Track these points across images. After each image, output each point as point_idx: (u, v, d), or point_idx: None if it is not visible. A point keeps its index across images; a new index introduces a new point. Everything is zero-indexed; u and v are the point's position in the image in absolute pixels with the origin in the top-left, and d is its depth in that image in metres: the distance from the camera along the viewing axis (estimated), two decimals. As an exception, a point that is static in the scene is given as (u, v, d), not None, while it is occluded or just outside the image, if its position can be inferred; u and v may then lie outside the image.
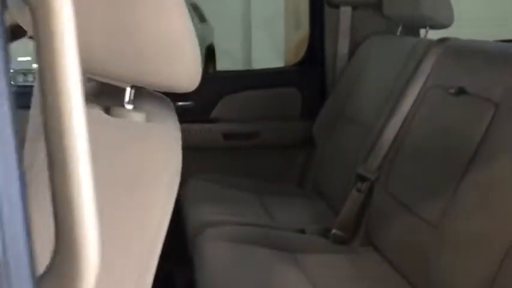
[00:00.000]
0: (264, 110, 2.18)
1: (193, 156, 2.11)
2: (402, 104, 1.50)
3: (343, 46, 2.04)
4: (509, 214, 0.99)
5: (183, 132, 2.16)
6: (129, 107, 0.63)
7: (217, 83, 2.19)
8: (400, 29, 1.83)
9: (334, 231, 1.59)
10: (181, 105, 2.11)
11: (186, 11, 0.62)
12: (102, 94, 0.64)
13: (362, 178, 1.56)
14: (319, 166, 2.01)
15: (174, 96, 2.08)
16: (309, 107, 2.17)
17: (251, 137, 2.14)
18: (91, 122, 0.36)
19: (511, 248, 0.93)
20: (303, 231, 1.64)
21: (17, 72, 2.87)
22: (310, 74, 2.20)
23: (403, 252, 1.34)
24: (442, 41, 1.50)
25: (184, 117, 2.05)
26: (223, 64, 5.95)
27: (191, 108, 2.13)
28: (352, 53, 2.00)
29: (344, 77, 2.00)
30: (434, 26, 1.65)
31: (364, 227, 1.56)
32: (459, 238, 1.10)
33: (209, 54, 6.23)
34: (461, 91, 1.28)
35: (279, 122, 2.17)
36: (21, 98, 0.38)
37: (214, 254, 1.39)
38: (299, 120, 2.18)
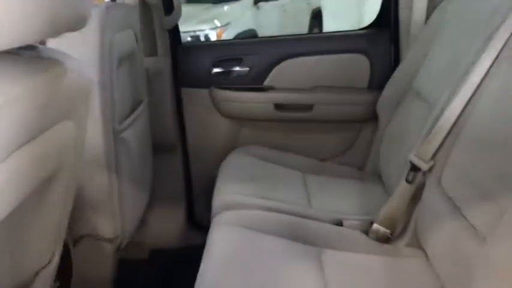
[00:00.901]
0: (325, 78, 1.93)
1: (240, 127, 1.96)
2: (470, 78, 1.17)
3: (419, 8, 1.71)
4: None
5: (231, 100, 2.02)
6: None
7: (275, 47, 1.97)
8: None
9: (375, 226, 1.34)
10: (232, 71, 1.96)
11: None
12: None
13: (414, 167, 1.27)
14: (379, 147, 1.73)
15: (224, 62, 1.94)
16: (378, 77, 1.88)
17: (307, 109, 1.91)
18: None
19: None
20: (340, 223, 1.40)
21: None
22: (381, 40, 1.89)
23: (449, 261, 1.07)
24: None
25: (236, 83, 1.92)
26: (330, 26, 5.76)
27: (245, 74, 1.96)
28: (428, 16, 1.66)
29: (417, 44, 1.67)
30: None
31: (413, 226, 1.29)
32: (506, 262, 0.81)
33: (315, 17, 6.08)
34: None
35: (340, 93, 1.91)
36: None
37: (223, 240, 1.23)
38: (365, 92, 1.89)
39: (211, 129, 1.97)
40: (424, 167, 1.23)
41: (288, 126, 1.95)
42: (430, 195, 1.21)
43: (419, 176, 1.26)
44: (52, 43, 1.21)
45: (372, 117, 1.84)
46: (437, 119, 1.23)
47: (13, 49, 0.52)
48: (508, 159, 0.94)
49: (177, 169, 2.00)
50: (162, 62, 1.88)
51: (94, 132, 1.26)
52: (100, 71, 1.25)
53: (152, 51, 1.87)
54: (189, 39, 4.30)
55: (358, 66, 1.91)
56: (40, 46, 0.58)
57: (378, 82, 1.85)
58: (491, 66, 1.13)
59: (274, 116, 1.92)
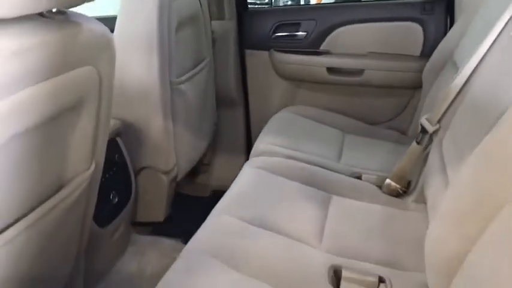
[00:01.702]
0: (379, 45, 2.03)
1: (295, 87, 2.14)
2: (480, 48, 1.24)
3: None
4: None
5: (288, 62, 2.22)
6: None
7: (331, 13, 2.10)
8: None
9: (387, 181, 1.48)
10: (291, 35, 2.13)
11: None
12: None
13: (423, 129, 1.39)
14: (418, 114, 1.82)
15: (284, 27, 2.12)
16: (431, 46, 1.93)
17: (357, 73, 2.03)
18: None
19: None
20: (359, 177, 1.56)
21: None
22: (436, 10, 1.93)
23: (432, 214, 1.19)
24: None
25: (293, 47, 2.10)
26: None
27: (302, 39, 2.12)
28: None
29: (464, 14, 1.71)
30: None
31: (421, 183, 1.41)
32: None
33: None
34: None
35: (391, 59, 2.00)
36: None
37: (245, 179, 1.46)
38: (416, 60, 1.97)
39: (270, 88, 2.18)
40: (431, 129, 1.34)
41: (339, 89, 2.09)
42: (432, 155, 1.32)
43: (427, 137, 1.37)
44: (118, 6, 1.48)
45: (422, 85, 1.92)
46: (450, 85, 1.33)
47: (47, 13, 0.78)
48: (486, 127, 1.04)
49: (239, 121, 2.25)
50: (229, 25, 2.11)
51: (152, 82, 1.54)
52: (159, 31, 1.51)
53: (220, 15, 2.11)
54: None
55: (411, 34, 1.98)
56: (69, 11, 0.83)
57: (430, 51, 1.91)
58: (496, 39, 1.20)
59: (326, 79, 2.08)
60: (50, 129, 0.85)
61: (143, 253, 1.69)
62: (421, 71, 1.90)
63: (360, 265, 1.14)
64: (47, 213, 0.91)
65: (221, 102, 2.15)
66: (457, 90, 1.28)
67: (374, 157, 1.70)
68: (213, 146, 2.23)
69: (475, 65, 1.24)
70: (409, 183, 1.50)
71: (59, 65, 0.78)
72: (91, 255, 1.39)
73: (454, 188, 0.93)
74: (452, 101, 1.29)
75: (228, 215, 1.25)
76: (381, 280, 1.10)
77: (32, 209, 0.88)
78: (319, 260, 1.14)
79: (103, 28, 0.89)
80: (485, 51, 1.22)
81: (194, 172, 2.20)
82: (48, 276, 1.05)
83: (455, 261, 0.84)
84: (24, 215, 0.85)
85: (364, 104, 2.08)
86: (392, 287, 1.07)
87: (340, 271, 1.10)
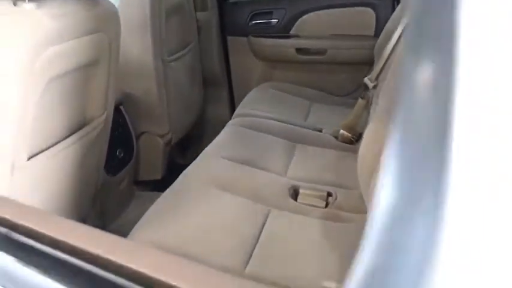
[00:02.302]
0: (338, 28, 2.38)
1: (271, 68, 2.49)
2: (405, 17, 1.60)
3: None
4: None
5: (263, 46, 2.58)
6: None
7: (298, 2, 2.45)
8: None
9: (341, 131, 1.83)
10: (265, 22, 2.48)
11: None
12: None
13: (366, 86, 1.74)
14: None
15: (259, 15, 2.47)
16: (382, 26, 2.29)
17: (322, 53, 2.38)
18: None
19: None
20: (320, 131, 1.91)
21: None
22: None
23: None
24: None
25: (267, 32, 2.44)
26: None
27: (274, 25, 2.48)
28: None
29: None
30: None
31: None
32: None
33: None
34: None
35: (349, 40, 2.35)
36: None
37: (227, 133, 1.80)
38: (370, 39, 2.32)
39: (249, 68, 2.53)
40: (370, 85, 1.69)
41: (307, 67, 2.44)
42: (372, 106, 1.67)
43: (369, 93, 1.72)
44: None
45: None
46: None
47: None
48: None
49: (224, 98, 2.60)
50: (211, 15, 2.46)
51: (147, 58, 1.88)
52: (151, 16, 1.85)
53: (203, 7, 2.46)
54: None
55: (365, 17, 2.34)
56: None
57: (381, 31, 2.27)
58: None
59: (296, 58, 2.43)
60: (75, 78, 1.19)
61: (145, 204, 2.02)
62: (370, 48, 2.25)
63: (313, 186, 1.48)
64: (76, 142, 1.25)
65: (207, 82, 2.50)
66: (388, 52, 1.63)
67: (333, 117, 2.04)
68: (201, 121, 2.57)
69: (398, 35, 1.60)
70: (360, 135, 1.85)
71: (81, 29, 1.12)
72: (103, 199, 1.72)
73: (371, 123, 1.28)
74: (386, 62, 1.65)
75: (214, 156, 1.59)
76: (329, 194, 1.44)
77: (67, 136, 1.22)
78: (283, 183, 1.48)
79: (111, 4, 1.23)
80: (404, 24, 1.58)
81: (185, 145, 2.54)
82: (76, 200, 1.39)
83: (371, 169, 1.19)
84: (63, 139, 1.19)
85: (329, 79, 2.44)
86: (337, 198, 1.42)
87: (298, 188, 1.45)
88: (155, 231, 1.19)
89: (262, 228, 1.26)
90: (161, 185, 2.14)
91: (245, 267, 1.11)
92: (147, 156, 2.07)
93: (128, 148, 1.94)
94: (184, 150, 2.58)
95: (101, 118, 1.37)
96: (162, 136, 2.04)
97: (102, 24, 1.20)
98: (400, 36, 1.60)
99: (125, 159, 1.89)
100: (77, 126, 1.28)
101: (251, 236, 1.22)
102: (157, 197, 1.35)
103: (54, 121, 1.17)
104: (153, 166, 2.10)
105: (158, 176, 2.11)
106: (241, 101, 2.42)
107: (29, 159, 1.09)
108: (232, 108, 2.62)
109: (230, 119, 2.60)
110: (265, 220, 1.29)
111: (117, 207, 1.93)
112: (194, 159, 1.55)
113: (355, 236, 1.22)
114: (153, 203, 1.34)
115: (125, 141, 1.90)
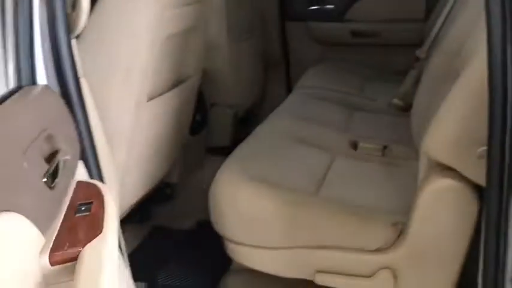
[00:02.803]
0: (391, 12, 2.59)
1: (327, 50, 2.72)
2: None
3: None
4: None
5: (320, 30, 2.83)
6: None
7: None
8: None
9: (394, 100, 2.04)
10: (322, 8, 2.72)
11: None
12: None
13: (417, 58, 1.95)
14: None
15: (316, 1, 2.72)
16: (431, 10, 2.48)
17: (375, 35, 2.60)
18: None
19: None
20: (374, 100, 2.13)
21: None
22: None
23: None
24: None
25: (324, 17, 2.68)
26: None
27: (331, 11, 2.72)
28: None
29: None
30: None
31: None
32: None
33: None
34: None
35: (401, 23, 2.56)
36: None
37: (289, 99, 2.06)
38: (420, 22, 2.52)
39: (306, 51, 2.78)
40: (422, 56, 1.90)
41: (361, 49, 2.67)
42: (424, 74, 1.88)
43: (420, 63, 1.93)
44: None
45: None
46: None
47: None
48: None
49: (282, 79, 2.86)
50: (273, 2, 2.72)
51: (222, 38, 2.15)
52: (226, 3, 2.13)
53: (266, -6, 2.73)
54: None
55: (415, 2, 2.54)
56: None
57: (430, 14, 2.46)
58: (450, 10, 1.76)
59: (351, 41, 2.66)
60: (181, 39, 1.48)
61: (216, 165, 2.31)
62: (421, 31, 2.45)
63: (371, 140, 1.71)
64: (176, 95, 1.54)
65: (268, 64, 2.76)
66: (439, 26, 1.84)
67: (386, 90, 2.26)
68: (262, 100, 2.84)
69: (448, 11, 1.80)
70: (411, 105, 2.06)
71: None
72: (185, 155, 2.01)
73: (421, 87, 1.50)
74: (435, 36, 1.85)
75: (283, 115, 1.85)
76: (385, 147, 1.66)
77: (171, 89, 1.50)
78: (344, 137, 1.72)
79: None
80: (451, 4, 1.78)
81: (245, 121, 2.81)
82: (172, 143, 1.67)
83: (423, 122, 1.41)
84: (168, 90, 1.48)
85: (381, 60, 2.64)
86: (392, 150, 1.64)
87: (358, 142, 1.68)
88: (240, 166, 1.45)
89: (329, 167, 1.50)
90: (228, 152, 2.42)
91: (317, 192, 1.35)
92: (218, 125, 2.34)
93: (204, 115, 2.22)
94: (247, 126, 2.85)
95: (194, 78, 1.66)
96: (231, 107, 2.32)
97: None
98: (449, 13, 1.81)
99: (202, 123, 2.18)
100: (177, 82, 1.57)
101: (320, 171, 1.46)
102: None
103: (164, 74, 1.45)
104: (223, 134, 2.37)
105: (226, 143, 2.39)
106: (297, 82, 2.67)
107: (148, 101, 1.37)
108: (289, 89, 2.87)
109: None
110: (331, 162, 1.54)
111: (195, 164, 2.21)
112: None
113: (408, 177, 1.44)
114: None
115: (201, 108, 2.18)
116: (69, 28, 0.98)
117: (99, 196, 0.82)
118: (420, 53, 1.93)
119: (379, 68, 2.61)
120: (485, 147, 0.92)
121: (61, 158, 0.80)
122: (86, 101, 1.02)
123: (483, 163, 0.96)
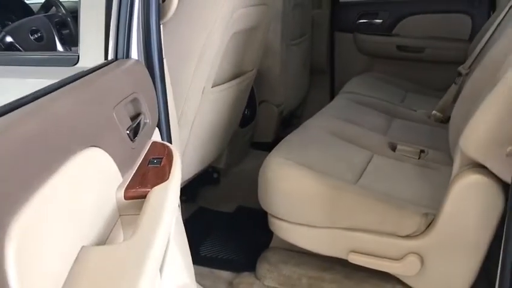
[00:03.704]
0: (437, 31, 2.71)
1: (373, 62, 2.86)
2: (499, 17, 1.92)
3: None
4: None
5: (367, 42, 2.95)
6: None
7: (400, 6, 2.82)
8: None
9: (434, 112, 2.16)
10: (370, 22, 2.87)
11: None
12: None
13: (459, 73, 2.07)
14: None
15: (366, 16, 2.86)
16: (476, 31, 2.59)
17: (419, 51, 2.72)
18: None
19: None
20: (414, 110, 2.25)
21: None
22: (481, 3, 2.60)
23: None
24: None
25: (372, 31, 2.82)
26: None
27: (379, 25, 2.85)
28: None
29: (502, 5, 2.36)
30: None
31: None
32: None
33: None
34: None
35: (445, 41, 2.68)
36: None
37: (333, 102, 2.20)
38: (464, 42, 2.63)
39: (352, 61, 2.92)
40: (463, 72, 2.02)
41: (405, 63, 2.79)
42: (464, 87, 1.99)
43: (461, 78, 2.05)
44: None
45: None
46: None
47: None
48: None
49: (326, 87, 3.00)
50: (324, 12, 2.89)
51: (275, 40, 2.33)
52: (283, 9, 2.30)
53: (318, 5, 2.89)
54: None
55: (461, 23, 2.65)
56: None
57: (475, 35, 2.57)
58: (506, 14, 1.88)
59: (396, 54, 2.79)
60: (244, 36, 1.65)
61: (259, 158, 2.47)
62: (466, 49, 2.55)
63: (409, 144, 1.83)
64: (235, 86, 1.71)
65: (314, 69, 2.92)
66: (482, 46, 1.96)
67: (427, 103, 2.37)
68: (304, 103, 2.99)
69: (492, 31, 1.92)
70: (449, 118, 2.17)
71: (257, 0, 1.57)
72: (233, 145, 2.18)
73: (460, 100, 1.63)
74: (478, 54, 1.97)
75: (327, 115, 1.99)
76: (422, 151, 1.78)
77: (231, 80, 1.67)
78: (383, 139, 1.84)
79: None
80: (498, 22, 1.90)
81: (289, 122, 2.97)
82: (227, 130, 1.84)
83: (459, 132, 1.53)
84: (228, 81, 1.65)
85: (424, 75, 2.76)
86: (429, 154, 1.76)
87: (396, 144, 1.81)
88: (288, 152, 1.59)
89: (368, 163, 1.64)
90: (269, 149, 2.57)
91: (357, 181, 1.49)
92: (264, 121, 2.51)
93: (252, 110, 2.39)
94: (288, 126, 3.00)
95: (251, 73, 1.82)
96: (277, 106, 2.48)
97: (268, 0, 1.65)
98: (493, 33, 1.93)
99: (250, 118, 2.35)
100: (236, 75, 1.74)
101: (360, 164, 1.60)
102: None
103: (227, 66, 1.63)
104: (267, 130, 2.54)
105: (270, 139, 2.55)
106: (341, 89, 2.81)
107: (212, 87, 1.55)
108: (332, 96, 3.01)
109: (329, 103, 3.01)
110: (370, 159, 1.67)
111: (240, 154, 2.38)
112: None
113: (441, 179, 1.56)
114: (264, 159, 1.61)
115: (251, 104, 2.35)
116: (160, 16, 1.16)
117: (168, 154, 0.99)
118: (462, 69, 2.04)
119: (421, 82, 2.73)
120: (514, 146, 1.05)
121: (142, 119, 0.97)
122: (166, 79, 1.20)
123: (511, 161, 1.09)
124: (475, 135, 1.19)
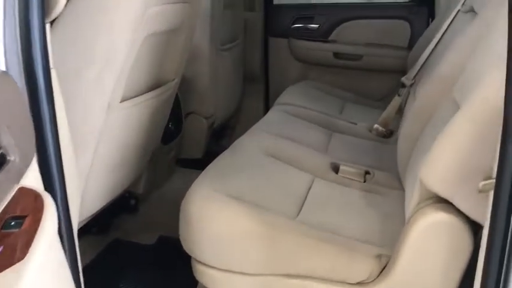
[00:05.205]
0: (375, 37, 2.56)
1: (308, 69, 2.67)
2: (441, 30, 1.78)
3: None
4: None
5: (303, 48, 2.75)
6: None
7: (339, 11, 2.65)
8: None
9: (375, 125, 1.98)
10: (306, 27, 2.67)
11: None
12: None
13: (403, 85, 1.90)
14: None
15: (301, 20, 2.65)
16: (416, 39, 2.47)
17: (357, 58, 2.56)
18: None
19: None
20: (354, 123, 2.07)
21: None
22: (420, 10, 2.49)
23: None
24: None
25: (308, 36, 2.63)
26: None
27: (315, 30, 2.67)
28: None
29: (442, 12, 2.25)
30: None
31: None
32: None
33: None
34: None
35: (384, 48, 2.53)
36: None
37: (268, 115, 1.97)
38: (404, 49, 2.50)
39: (286, 68, 2.71)
40: (408, 83, 1.86)
41: (342, 71, 2.62)
42: (408, 100, 1.83)
43: (405, 90, 1.89)
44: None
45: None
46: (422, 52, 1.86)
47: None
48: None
49: (260, 94, 2.78)
50: (257, 15, 2.66)
51: (204, 44, 2.06)
52: (211, 7, 2.04)
53: (251, 7, 2.65)
54: None
55: (400, 29, 2.52)
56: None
57: (415, 43, 2.44)
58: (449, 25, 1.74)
59: (333, 62, 2.61)
60: (161, 40, 1.37)
61: (186, 179, 2.18)
62: (406, 58, 2.42)
63: (352, 165, 1.63)
64: (152, 98, 1.42)
65: (247, 77, 2.68)
66: (426, 56, 1.80)
67: (365, 115, 2.21)
68: (237, 113, 2.74)
69: (437, 40, 1.77)
70: (392, 132, 2.01)
71: None
72: (154, 165, 1.88)
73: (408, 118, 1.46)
74: (423, 65, 1.81)
75: (261, 131, 1.75)
76: (367, 172, 1.59)
77: (147, 91, 1.39)
78: (324, 158, 1.63)
79: None
80: (442, 32, 1.76)
81: (220, 134, 2.71)
82: (143, 150, 1.55)
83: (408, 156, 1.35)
84: (144, 93, 1.36)
85: (361, 83, 2.61)
86: (375, 176, 1.57)
87: (339, 165, 1.60)
88: (216, 182, 1.33)
89: (309, 190, 1.41)
90: (198, 165, 2.30)
91: (297, 216, 1.26)
92: (192, 135, 2.23)
93: (177, 124, 2.10)
94: (220, 139, 2.74)
95: (172, 83, 1.55)
96: (207, 118, 2.21)
97: None
98: (437, 43, 1.78)
99: (175, 132, 2.06)
100: (154, 85, 1.45)
101: (300, 193, 1.37)
102: (197, 173, 1.48)
103: (141, 76, 1.34)
104: (196, 145, 2.26)
105: (199, 155, 2.27)
106: (276, 98, 2.59)
107: (121, 102, 1.25)
108: (267, 104, 2.79)
109: (264, 113, 2.78)
110: (311, 184, 1.45)
111: (163, 175, 2.09)
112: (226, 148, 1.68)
113: (391, 207, 1.37)
114: (192, 178, 1.38)
115: (176, 117, 2.07)
116: (44, 11, 0.86)
117: (36, 210, 0.69)
118: (406, 79, 1.88)
119: (359, 92, 2.57)
120: (487, 181, 0.85)
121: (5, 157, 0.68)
122: (55, 95, 0.90)
123: (483, 198, 0.89)
124: (439, 167, 0.99)
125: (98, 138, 1.24)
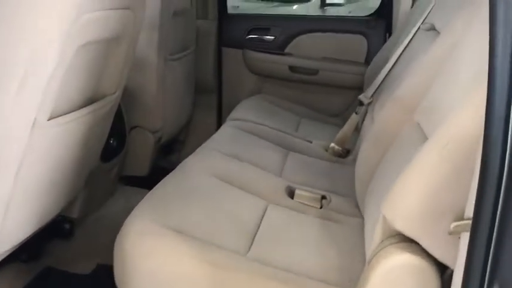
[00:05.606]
0: (331, 51, 2.49)
1: (263, 82, 2.56)
2: (402, 45, 1.72)
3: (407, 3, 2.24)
4: None
5: (257, 60, 2.63)
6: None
7: (296, 23, 2.56)
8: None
9: (332, 144, 1.90)
10: (261, 38, 2.57)
11: None
12: None
13: (360, 103, 1.83)
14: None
15: (256, 31, 2.54)
16: (373, 55, 2.41)
17: (313, 73, 2.48)
18: None
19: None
20: (310, 142, 1.97)
21: None
22: (378, 25, 2.43)
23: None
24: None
25: (263, 48, 2.52)
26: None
27: (270, 42, 2.57)
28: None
29: (399, 28, 2.20)
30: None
31: (358, 144, 1.83)
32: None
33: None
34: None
35: (341, 64, 2.46)
36: None
37: (219, 132, 1.85)
38: (361, 65, 2.43)
39: (240, 81, 2.59)
40: (366, 101, 1.78)
41: (298, 85, 2.53)
42: (366, 120, 1.76)
43: (363, 108, 1.81)
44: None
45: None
46: (380, 71, 1.79)
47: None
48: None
49: (212, 107, 2.64)
50: (210, 24, 2.53)
51: (151, 53, 1.91)
52: (160, 17, 1.89)
53: (204, 15, 2.52)
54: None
55: (357, 44, 2.46)
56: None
57: (372, 59, 2.39)
58: (409, 42, 1.68)
59: (288, 76, 2.52)
60: (98, 50, 1.22)
61: (129, 198, 2.01)
62: (364, 74, 2.37)
63: (308, 189, 1.53)
64: (88, 114, 1.26)
65: (199, 89, 2.54)
66: (384, 75, 1.74)
67: (321, 132, 2.12)
68: (188, 127, 2.59)
69: (396, 58, 1.71)
70: (348, 151, 1.93)
71: (112, 2, 1.15)
72: (92, 184, 1.71)
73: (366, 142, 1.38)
74: (381, 82, 1.75)
75: (212, 150, 1.62)
76: (324, 197, 1.49)
77: (82, 107, 1.23)
78: (279, 182, 1.52)
79: None
80: (401, 50, 1.70)
81: (169, 149, 2.55)
82: (78, 171, 1.38)
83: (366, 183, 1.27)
84: (78, 108, 1.20)
85: (317, 99, 2.52)
86: (331, 201, 1.47)
87: (294, 189, 1.49)
88: (157, 212, 1.19)
89: (262, 218, 1.29)
90: (144, 183, 2.13)
91: (248, 251, 1.13)
92: (137, 151, 2.07)
93: (120, 139, 1.94)
94: (169, 154, 2.58)
95: (112, 97, 1.39)
96: (153, 132, 2.06)
97: (131, 2, 1.24)
98: (396, 61, 1.72)
99: (117, 149, 1.89)
100: (90, 100, 1.29)
101: (252, 223, 1.25)
102: (142, 192, 1.34)
103: (74, 90, 1.18)
104: (141, 162, 2.10)
105: (144, 173, 2.11)
106: (229, 111, 2.46)
107: (48, 119, 1.09)
108: (220, 117, 2.66)
109: (217, 127, 2.65)
110: (264, 212, 1.33)
111: (103, 195, 1.91)
112: (178, 163, 1.54)
113: (350, 236, 1.27)
114: (137, 198, 1.27)
115: (118, 132, 1.90)
116: None
117: None
118: (364, 97, 1.81)
119: (315, 107, 2.48)
120: (460, 222, 0.76)
121: None
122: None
123: (454, 240, 0.80)
124: (404, 204, 0.89)
125: (20, 160, 1.07)
